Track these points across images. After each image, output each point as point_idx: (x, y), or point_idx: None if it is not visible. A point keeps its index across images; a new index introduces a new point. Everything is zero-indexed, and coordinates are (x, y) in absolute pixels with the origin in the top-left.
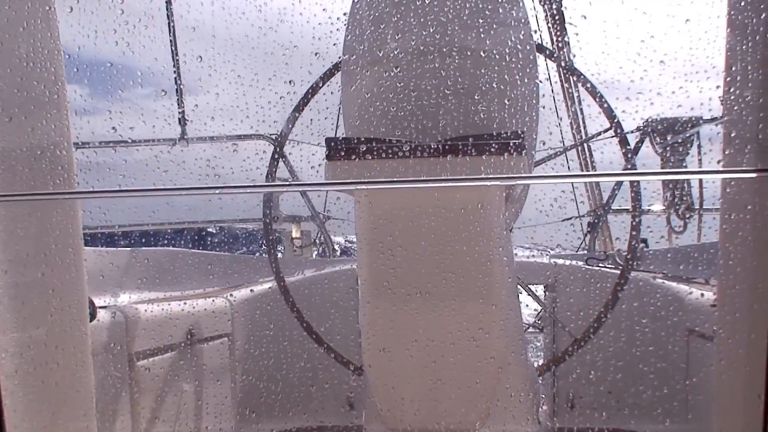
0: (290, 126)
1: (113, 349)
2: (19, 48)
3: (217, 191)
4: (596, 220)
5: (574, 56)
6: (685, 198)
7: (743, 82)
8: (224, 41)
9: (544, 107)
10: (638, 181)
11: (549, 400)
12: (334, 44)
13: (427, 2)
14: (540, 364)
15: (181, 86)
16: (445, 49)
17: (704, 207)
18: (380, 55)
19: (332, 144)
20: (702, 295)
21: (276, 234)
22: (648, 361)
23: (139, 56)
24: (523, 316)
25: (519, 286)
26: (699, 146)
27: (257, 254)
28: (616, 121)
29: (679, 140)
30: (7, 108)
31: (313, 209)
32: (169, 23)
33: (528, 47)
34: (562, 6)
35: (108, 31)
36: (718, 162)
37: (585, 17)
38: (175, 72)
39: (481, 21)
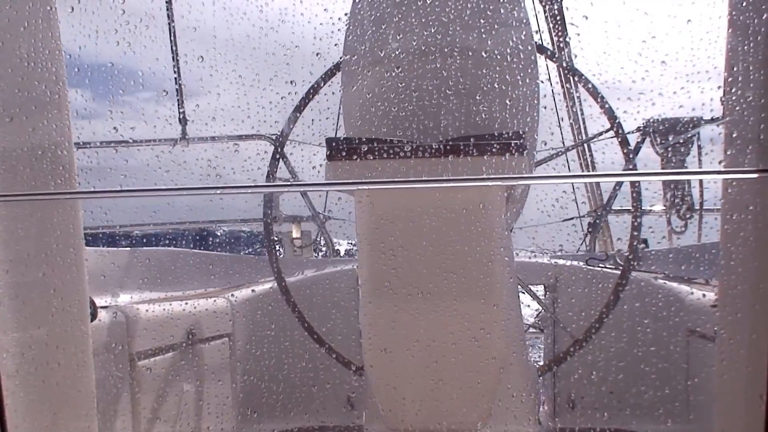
0: (291, 126)
1: (114, 349)
2: (20, 48)
3: (217, 191)
4: (597, 221)
5: (576, 56)
6: (685, 198)
7: (745, 83)
8: (225, 41)
9: (546, 107)
10: (639, 182)
11: (549, 401)
12: (336, 44)
13: (428, 2)
14: (540, 364)
15: (182, 86)
16: (446, 50)
17: (705, 207)
18: (381, 55)
19: (333, 144)
20: (703, 295)
21: (278, 235)
22: (648, 361)
23: (140, 56)
24: (524, 316)
25: (519, 287)
26: (699, 147)
27: (258, 254)
28: (616, 121)
29: (680, 141)
30: (8, 108)
31: (313, 209)
32: (169, 23)
33: (529, 47)
34: (562, 6)
35: (109, 31)
36: (720, 162)
37: (586, 17)
38: (175, 72)
39: (482, 21)
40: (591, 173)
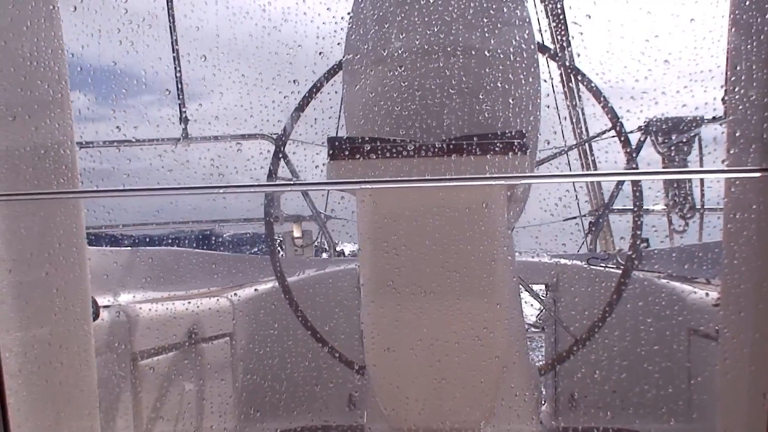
0: (292, 125)
1: (117, 348)
2: (23, 47)
3: (219, 191)
4: (598, 220)
5: (579, 55)
6: (687, 198)
7: (747, 82)
8: (228, 41)
9: (549, 106)
10: (640, 181)
11: (551, 400)
12: (339, 43)
13: (430, 1)
14: (541, 363)
15: (183, 86)
16: (449, 49)
17: (706, 207)
18: (384, 54)
19: (335, 143)
20: (706, 294)
21: (279, 235)
22: (650, 360)
23: (143, 56)
24: (526, 315)
25: (521, 286)
26: (701, 146)
27: (259, 254)
28: (618, 120)
29: (682, 140)
30: (10, 107)
31: (314, 209)
32: (170, 22)
33: (532, 47)
34: (563, 5)
35: (112, 30)
36: (723, 162)
37: (589, 17)
38: (176, 72)
39: (485, 20)
40: (593, 172)
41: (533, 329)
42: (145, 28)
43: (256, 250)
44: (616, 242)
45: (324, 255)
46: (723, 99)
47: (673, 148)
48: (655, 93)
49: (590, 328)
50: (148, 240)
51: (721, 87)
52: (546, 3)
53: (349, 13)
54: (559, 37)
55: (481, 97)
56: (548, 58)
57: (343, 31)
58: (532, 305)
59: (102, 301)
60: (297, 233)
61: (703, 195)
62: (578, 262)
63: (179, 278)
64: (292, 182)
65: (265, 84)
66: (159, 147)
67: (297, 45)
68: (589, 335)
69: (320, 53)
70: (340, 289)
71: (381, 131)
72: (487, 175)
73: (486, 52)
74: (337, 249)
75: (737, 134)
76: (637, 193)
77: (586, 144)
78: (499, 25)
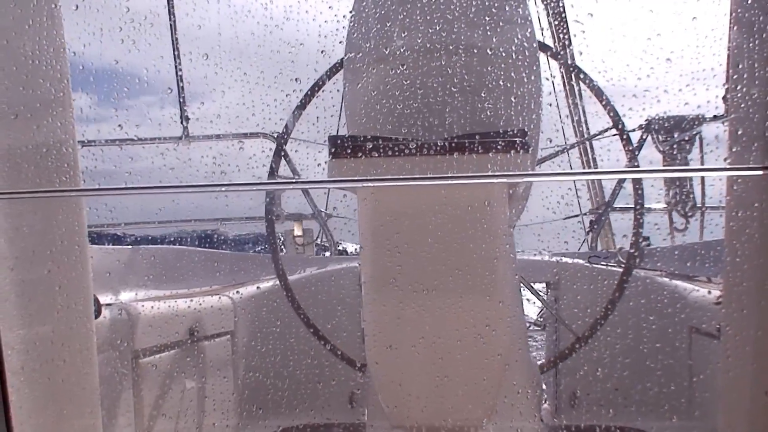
0: (293, 123)
1: (119, 346)
2: (24, 46)
3: (221, 189)
4: (599, 219)
5: (581, 54)
6: (687, 197)
7: (750, 80)
8: (230, 39)
9: (551, 104)
10: (641, 179)
11: (552, 398)
12: (341, 42)
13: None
14: (542, 362)
15: (183, 85)
16: (451, 47)
17: (707, 205)
18: (386, 52)
19: (337, 142)
20: (708, 293)
21: (279, 233)
22: (652, 358)
23: (144, 54)
24: (527, 313)
25: (522, 284)
26: (702, 145)
27: (260, 252)
28: (619, 119)
29: (685, 138)
30: (12, 106)
31: (315, 207)
32: (170, 21)
33: (534, 45)
34: (564, 4)
35: (113, 29)
36: (725, 159)
37: (591, 15)
38: (177, 71)
39: (487, 18)
40: (596, 170)
41: (534, 327)
42: (147, 27)
43: (257, 248)
44: (617, 241)
45: (326, 254)
46: (724, 97)
47: (673, 146)
48: (657, 91)
49: (591, 327)
50: (150, 238)
51: (724, 85)
52: (546, 2)
53: (351, 12)
54: (561, 35)
55: (483, 95)
56: (549, 57)
57: (345, 29)
58: (534, 303)
59: (104, 299)
60: (298, 232)
61: (703, 193)
62: (579, 261)
63: (180, 276)
64: (293, 180)
65: (267, 82)
66: (161, 146)
67: (299, 43)
68: (590, 333)
69: (322, 51)
70: (342, 287)
71: (383, 129)
72: (489, 173)
73: (488, 51)
74: (339, 248)
75: (739, 132)
76: (639, 192)
77: (587, 143)
78: (501, 24)
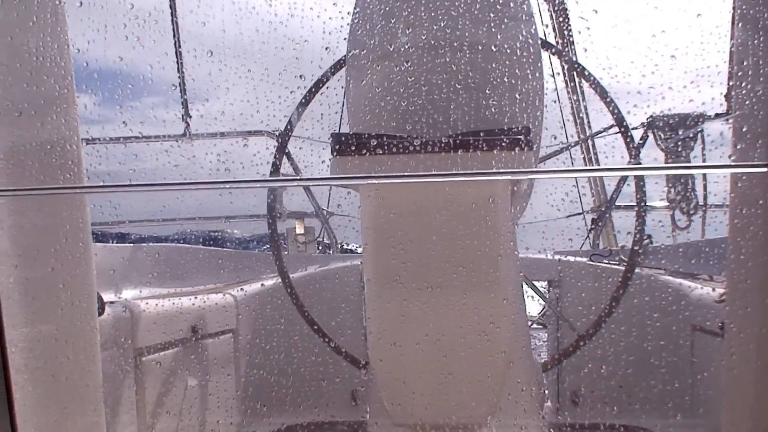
0: (296, 120)
1: (123, 343)
2: (28, 43)
3: (224, 185)
4: (601, 217)
5: (585, 50)
6: (689, 195)
7: (754, 77)
8: (234, 36)
9: (555, 101)
10: (643, 178)
11: (553, 396)
12: (345, 38)
13: None
14: (545, 360)
15: (185, 82)
16: (455, 44)
17: (710, 203)
18: (391, 49)
19: (340, 139)
20: (710, 290)
21: (281, 231)
22: (655, 356)
23: (149, 51)
24: (529, 311)
25: (524, 282)
26: (703, 143)
27: (262, 250)
28: (620, 117)
29: (686, 136)
30: (16, 103)
31: (317, 205)
32: (172, 18)
33: (537, 42)
34: (565, 2)
35: (118, 26)
36: (729, 156)
37: (596, 11)
38: (179, 69)
39: (491, 15)
40: (601, 167)
41: (536, 326)
42: (152, 24)
43: (260, 246)
44: (619, 239)
45: (329, 251)
46: (726, 95)
47: (676, 144)
48: (661, 88)
49: (593, 325)
50: (154, 236)
51: (729, 82)
52: (549, 1)
53: (355, 9)
54: (565, 33)
55: (487, 92)
56: (552, 55)
57: (349, 26)
58: (536, 301)
59: (107, 296)
60: (299, 230)
61: (705, 191)
62: (581, 259)
63: (182, 274)
64: (298, 178)
65: (271, 79)
66: (165, 144)
67: (303, 40)
68: (593, 331)
69: (327, 48)
70: (346, 285)
71: (387, 127)
72: (493, 170)
73: (492, 48)
74: (343, 246)
75: (744, 129)
76: (640, 190)
77: (589, 141)
78: (505, 20)
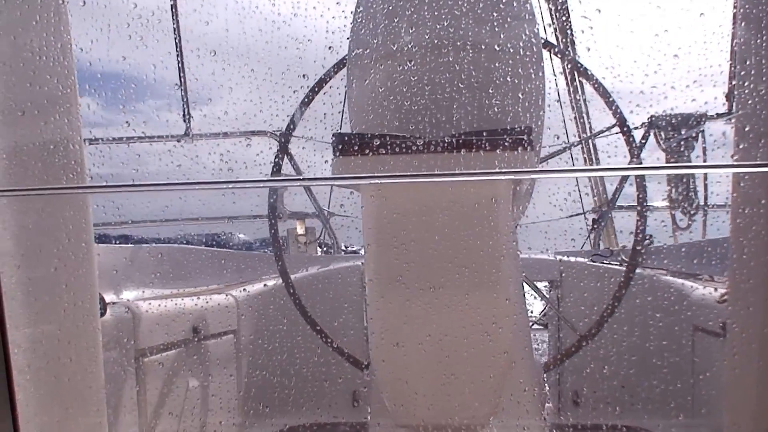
0: (299, 118)
1: (126, 344)
2: (31, 42)
3: (226, 185)
4: (602, 217)
5: (588, 50)
6: (690, 195)
7: (757, 77)
8: (237, 36)
9: (557, 101)
10: (644, 178)
11: (554, 397)
12: (348, 38)
13: None
14: (545, 360)
15: (186, 82)
16: (458, 43)
17: (711, 203)
18: (394, 48)
19: (342, 139)
20: (710, 291)
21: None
22: (655, 357)
23: (152, 50)
24: (530, 312)
25: (524, 282)
26: (705, 142)
27: (263, 251)
28: (621, 116)
29: (688, 136)
30: (19, 103)
31: (317, 206)
32: (173, 18)
33: (539, 41)
34: (567, 2)
35: (121, 25)
36: (732, 156)
37: (599, 11)
38: (180, 69)
39: (494, 15)
40: (602, 167)
41: (537, 326)
42: (155, 23)
43: (261, 246)
44: (620, 239)
45: (332, 252)
46: (727, 95)
47: (678, 144)
48: (664, 88)
49: (595, 325)
50: (157, 236)
51: (732, 82)
52: (549, 1)
53: (358, 8)
54: (565, 32)
55: (490, 91)
56: (553, 55)
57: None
58: (539, 301)
59: (109, 297)
60: (300, 230)
61: (706, 191)
62: (581, 259)
63: (183, 275)
64: (300, 177)
65: (274, 79)
66: (167, 143)
67: (306, 39)
68: (593, 332)
69: (330, 48)
70: (348, 285)
71: (390, 126)
72: (496, 170)
73: (495, 47)
74: (345, 247)
75: (746, 129)
76: (641, 190)
77: (589, 141)
78: (508, 20)
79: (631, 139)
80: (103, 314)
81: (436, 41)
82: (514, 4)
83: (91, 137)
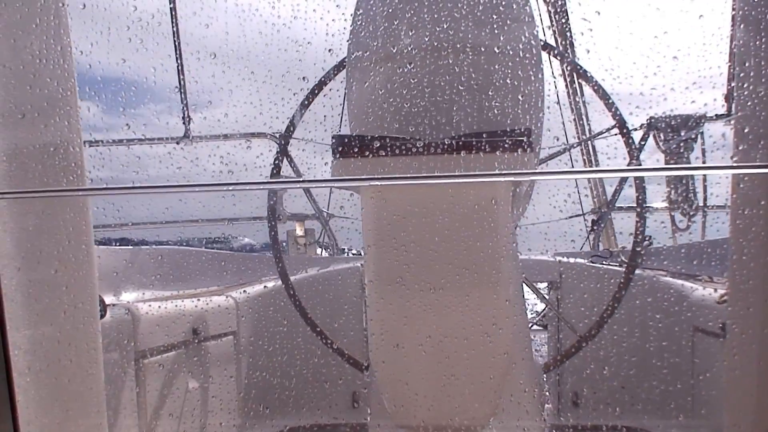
0: (299, 119)
1: (125, 346)
2: (31, 45)
3: (226, 188)
4: (600, 219)
5: (588, 51)
6: (689, 196)
7: (756, 78)
8: (237, 38)
9: (558, 103)
10: (643, 179)
11: (554, 397)
12: (347, 40)
13: None
14: (545, 361)
15: (186, 85)
16: (458, 45)
17: (711, 204)
18: (393, 51)
19: (342, 141)
20: (710, 291)
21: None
22: (655, 357)
23: (152, 53)
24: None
25: (524, 284)
26: (703, 144)
27: (263, 253)
28: (620, 117)
29: (687, 138)
30: (19, 105)
31: (317, 207)
32: (172, 21)
33: (538, 43)
34: (566, 4)
35: (121, 28)
36: (731, 157)
37: (598, 13)
38: (179, 71)
39: (494, 17)
40: (601, 169)
41: (537, 327)
42: (155, 26)
43: (261, 248)
44: (619, 240)
45: (331, 254)
46: (726, 96)
47: (677, 145)
48: (663, 89)
49: (594, 326)
50: (157, 239)
51: (731, 84)
52: (549, 2)
53: (358, 11)
54: (567, 34)
55: (490, 94)
56: (552, 57)
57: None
58: (539, 302)
59: (109, 299)
60: (300, 232)
61: (705, 192)
62: (581, 260)
63: (183, 276)
64: (300, 180)
65: (274, 81)
66: (167, 146)
67: (306, 42)
68: (593, 333)
69: (330, 50)
70: (348, 287)
71: (389, 128)
72: (495, 172)
73: (495, 49)
74: (345, 248)
75: (745, 130)
76: (640, 191)
77: (589, 143)
78: (508, 22)
79: (630, 141)
80: (103, 316)
81: (435, 43)
82: (514, 6)
83: (91, 140)
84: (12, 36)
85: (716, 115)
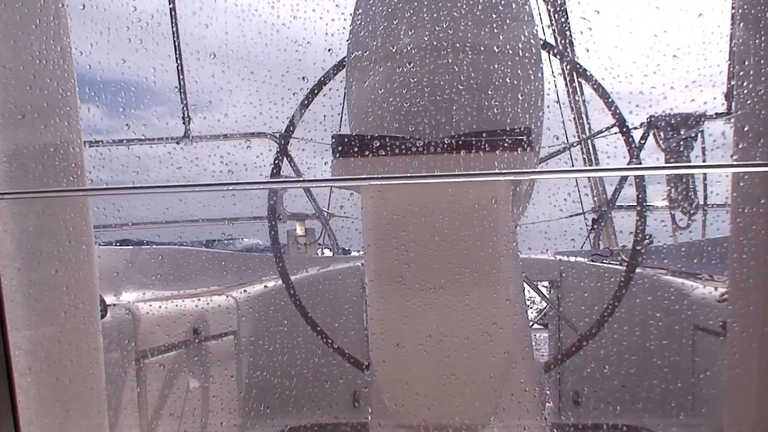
0: (299, 119)
1: (127, 346)
2: (31, 45)
3: (226, 188)
4: (601, 217)
5: (587, 50)
6: (690, 194)
7: (756, 77)
8: (237, 38)
9: (557, 101)
10: (643, 178)
11: (555, 396)
12: (347, 40)
13: None
14: (545, 360)
15: (185, 85)
16: (458, 45)
17: (711, 203)
18: (393, 50)
19: (342, 140)
20: (710, 290)
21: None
22: (656, 356)
23: (152, 54)
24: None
25: (524, 283)
26: (703, 142)
27: (265, 252)
28: (620, 116)
29: (688, 136)
30: (19, 105)
31: (317, 207)
32: (172, 21)
33: (538, 42)
34: (565, 3)
35: (120, 28)
36: (731, 156)
37: (598, 12)
38: (179, 71)
39: (494, 16)
40: (601, 167)
41: (537, 326)
42: (154, 27)
43: (261, 247)
44: (620, 239)
45: (331, 253)
46: (726, 95)
47: (676, 144)
48: (663, 88)
49: (594, 325)
50: (158, 239)
51: (731, 83)
52: (548, 1)
53: (357, 10)
54: (567, 33)
55: (489, 93)
56: (552, 56)
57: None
58: (539, 302)
59: (109, 299)
60: (300, 231)
61: (706, 191)
62: (581, 259)
63: (184, 276)
64: (299, 179)
65: (274, 81)
66: (167, 146)
67: (306, 42)
68: (594, 332)
69: (329, 50)
70: (348, 286)
71: (389, 128)
72: (495, 171)
73: (495, 48)
74: (345, 248)
75: (745, 129)
76: (640, 190)
77: (589, 141)
78: (507, 21)
79: (630, 140)
80: (103, 316)
81: (435, 43)
82: (513, 5)
83: (91, 140)
84: (12, 36)
85: (716, 113)
